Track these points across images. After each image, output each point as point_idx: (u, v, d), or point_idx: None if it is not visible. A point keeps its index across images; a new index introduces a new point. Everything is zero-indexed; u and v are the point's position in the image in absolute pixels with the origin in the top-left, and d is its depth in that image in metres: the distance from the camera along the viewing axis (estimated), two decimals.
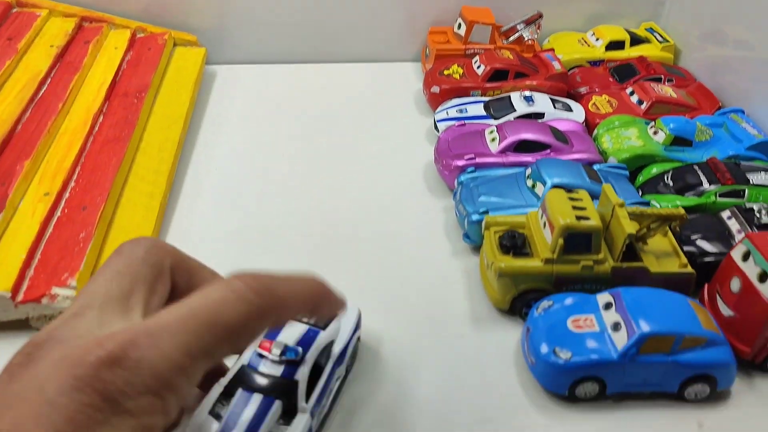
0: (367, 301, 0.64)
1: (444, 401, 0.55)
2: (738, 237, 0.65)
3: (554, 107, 0.88)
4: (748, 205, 0.68)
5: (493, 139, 0.79)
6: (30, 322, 0.59)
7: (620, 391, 0.55)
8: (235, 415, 0.45)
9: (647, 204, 0.72)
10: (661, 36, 1.07)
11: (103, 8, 1.01)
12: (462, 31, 1.02)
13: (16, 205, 0.67)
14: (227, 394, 0.47)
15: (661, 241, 0.65)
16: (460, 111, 0.89)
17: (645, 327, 0.53)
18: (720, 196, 0.73)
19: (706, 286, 0.63)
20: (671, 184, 0.75)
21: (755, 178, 0.74)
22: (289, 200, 0.79)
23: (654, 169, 0.78)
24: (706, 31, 1.01)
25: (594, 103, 0.91)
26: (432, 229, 0.75)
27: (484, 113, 0.88)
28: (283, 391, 0.47)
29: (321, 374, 0.50)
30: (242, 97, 1.00)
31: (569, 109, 0.89)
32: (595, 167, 0.76)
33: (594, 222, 0.59)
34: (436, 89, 0.94)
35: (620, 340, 0.54)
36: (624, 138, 0.82)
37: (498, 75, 0.93)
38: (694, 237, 0.67)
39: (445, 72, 0.96)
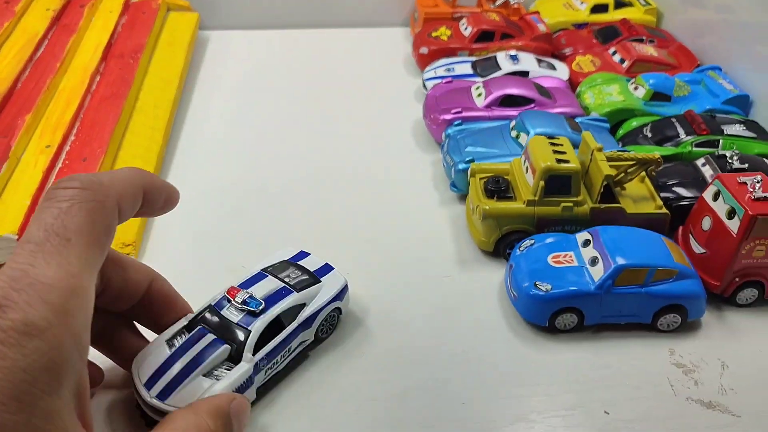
0: (359, 249, 0.67)
1: (433, 335, 0.58)
2: None
3: (539, 66, 0.90)
4: (720, 153, 0.71)
5: (479, 95, 0.82)
6: None
7: (597, 322, 0.59)
8: (183, 349, 0.48)
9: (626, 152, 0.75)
10: None
11: None
12: None
13: (19, 156, 0.69)
14: (189, 328, 0.50)
15: (638, 187, 0.69)
16: (448, 70, 0.91)
17: (620, 260, 0.57)
18: (696, 146, 0.76)
19: (680, 228, 0.66)
20: (650, 135, 0.78)
21: (730, 129, 0.77)
22: (280, 159, 0.81)
23: (634, 123, 0.81)
24: None
25: (577, 63, 0.94)
26: (420, 182, 0.78)
27: (471, 72, 0.90)
28: (233, 338, 0.48)
29: (280, 333, 0.51)
30: (234, 61, 1.02)
31: (553, 68, 0.92)
32: (577, 120, 0.79)
33: (573, 164, 0.62)
34: (424, 50, 0.96)
35: (597, 273, 0.57)
36: (606, 94, 0.85)
37: (485, 36, 0.96)
38: (670, 183, 0.70)
39: (434, 34, 0.98)
